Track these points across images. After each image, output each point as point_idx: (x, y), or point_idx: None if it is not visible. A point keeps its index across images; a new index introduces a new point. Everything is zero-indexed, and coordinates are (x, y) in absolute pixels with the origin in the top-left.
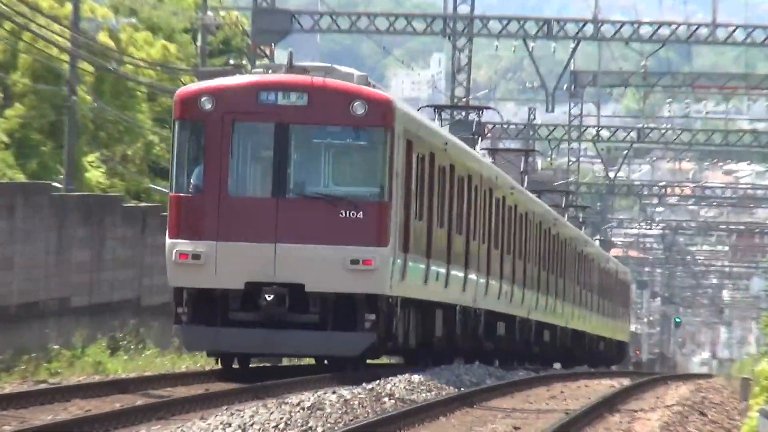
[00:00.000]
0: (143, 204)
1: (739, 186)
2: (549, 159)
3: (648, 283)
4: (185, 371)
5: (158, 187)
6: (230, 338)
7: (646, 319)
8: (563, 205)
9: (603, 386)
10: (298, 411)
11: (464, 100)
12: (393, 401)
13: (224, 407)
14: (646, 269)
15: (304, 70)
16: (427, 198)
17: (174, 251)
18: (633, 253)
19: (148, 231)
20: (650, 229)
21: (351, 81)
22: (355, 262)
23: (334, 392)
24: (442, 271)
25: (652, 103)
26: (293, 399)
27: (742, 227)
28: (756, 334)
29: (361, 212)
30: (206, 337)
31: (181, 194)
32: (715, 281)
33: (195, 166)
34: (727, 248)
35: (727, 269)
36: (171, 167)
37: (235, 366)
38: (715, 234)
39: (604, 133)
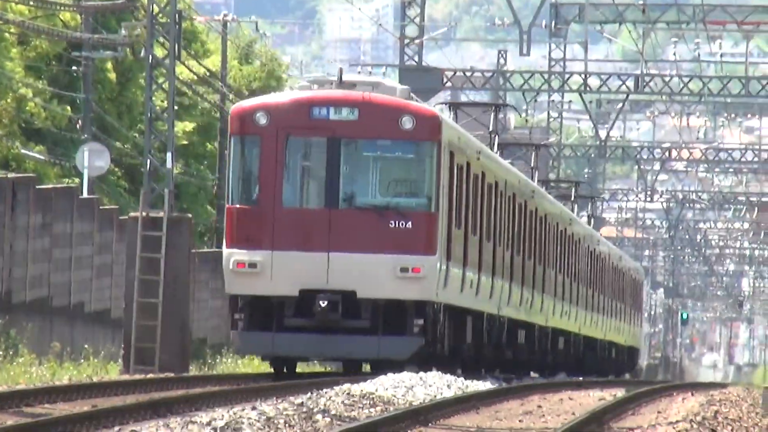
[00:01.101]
0: (13, 174)
1: (763, 147)
2: (524, 114)
3: (648, 270)
4: (68, 384)
5: (32, 153)
6: (286, 343)
7: (646, 315)
8: (548, 182)
9: (591, 399)
10: None
11: (417, 42)
12: (327, 419)
13: (115, 428)
14: (646, 253)
15: (353, 85)
16: (464, 206)
17: (231, 260)
18: (629, 232)
19: (20, 209)
20: (651, 201)
21: (394, 94)
22: (404, 269)
23: (254, 408)
24: (474, 278)
25: (653, 44)
26: (203, 417)
27: (767, 199)
28: None
29: (410, 222)
30: (263, 342)
31: (238, 206)
32: (732, 267)
33: (251, 180)
34: (747, 225)
35: (747, 252)
36: (227, 180)
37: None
38: (732, 208)
39: (593, 82)
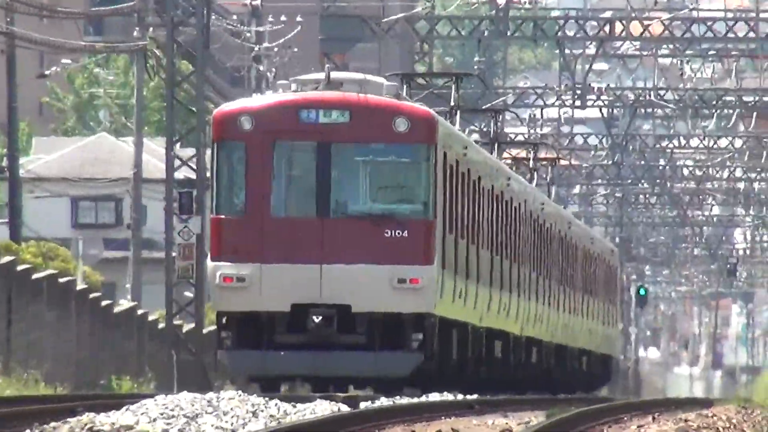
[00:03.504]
0: None
1: (764, 15)
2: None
3: (582, 218)
4: None
5: None
6: (278, 361)
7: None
8: None
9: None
10: None
11: None
12: None
13: None
14: (576, 191)
15: (339, 84)
16: (455, 209)
17: (218, 274)
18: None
19: None
20: (582, 107)
21: (381, 91)
22: (402, 281)
23: None
24: (464, 287)
25: None
26: None
27: None
28: None
29: (406, 230)
30: (253, 361)
31: (223, 216)
32: (717, 211)
33: (236, 188)
34: (739, 143)
35: (741, 185)
36: (212, 189)
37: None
38: (715, 114)
39: None
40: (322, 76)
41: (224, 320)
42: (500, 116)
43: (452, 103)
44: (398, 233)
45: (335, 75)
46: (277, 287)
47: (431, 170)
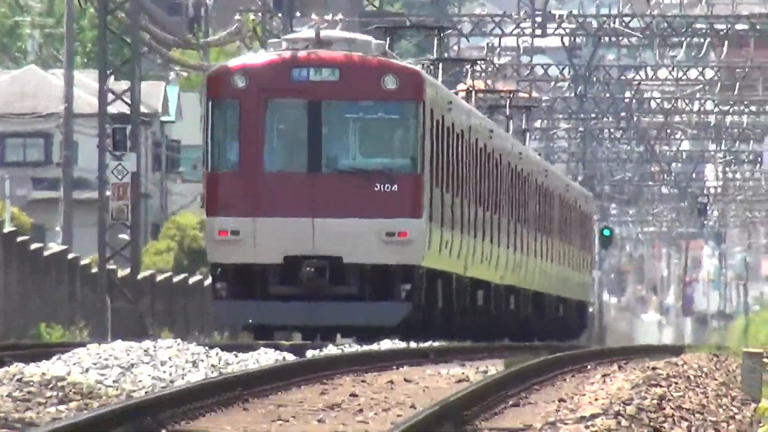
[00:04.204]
0: None
1: None
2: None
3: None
4: None
5: None
6: (271, 312)
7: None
8: None
9: (444, 381)
10: None
11: None
12: None
13: None
14: (537, 124)
15: (329, 43)
16: (441, 164)
17: (213, 228)
18: (507, 86)
19: None
20: (542, 35)
21: (369, 49)
22: (390, 234)
23: None
24: (448, 238)
25: None
26: None
27: (743, 26)
28: None
29: (395, 185)
30: (247, 312)
31: (218, 172)
32: (687, 146)
33: (230, 144)
34: (710, 74)
35: (711, 119)
36: (205, 145)
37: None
38: (684, 42)
39: None
40: (312, 34)
41: (219, 272)
42: (443, 36)
43: (435, 56)
44: (387, 188)
45: (325, 34)
46: (271, 240)
47: (419, 126)
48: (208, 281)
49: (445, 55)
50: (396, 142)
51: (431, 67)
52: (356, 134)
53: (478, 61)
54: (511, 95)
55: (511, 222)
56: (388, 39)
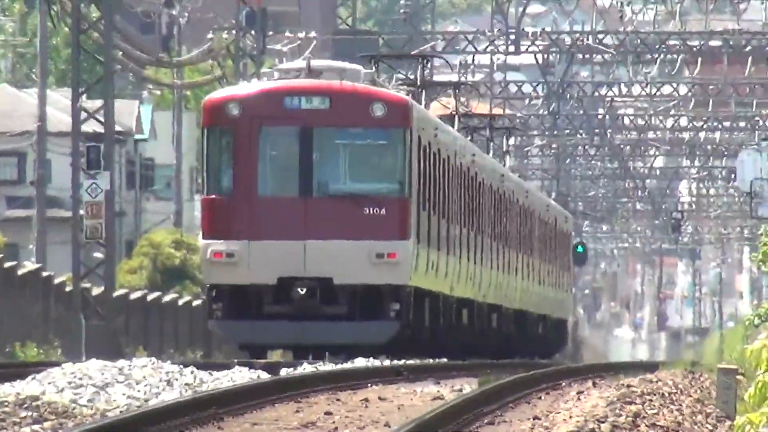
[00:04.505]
0: None
1: None
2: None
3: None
4: None
5: None
6: (265, 330)
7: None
8: None
9: (419, 399)
10: None
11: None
12: None
13: None
14: (512, 141)
15: (319, 72)
16: (427, 186)
17: (208, 250)
18: (481, 108)
19: None
20: (516, 53)
21: (359, 78)
22: (380, 255)
23: None
24: (434, 258)
25: None
26: None
27: (716, 42)
28: (753, 273)
29: (384, 209)
30: (242, 331)
31: (213, 196)
32: (661, 164)
33: (225, 170)
34: (685, 90)
35: (685, 135)
36: (202, 172)
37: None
38: (658, 58)
39: None
40: (303, 64)
41: (214, 293)
42: (428, 62)
43: (418, 83)
44: (376, 211)
45: (315, 64)
46: (264, 262)
47: (406, 152)
48: (183, 300)
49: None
50: (384, 167)
51: (415, 91)
52: (346, 159)
53: (431, 57)
54: (493, 119)
55: (494, 242)
56: (374, 66)
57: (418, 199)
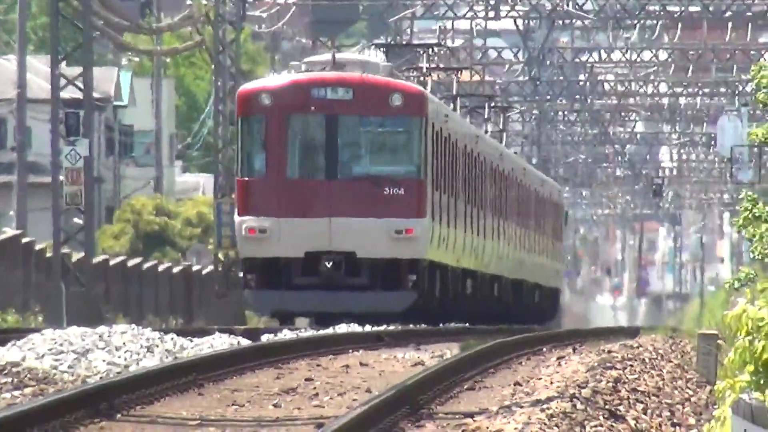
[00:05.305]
0: None
1: None
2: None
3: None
4: None
5: None
6: (294, 300)
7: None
8: None
9: (400, 365)
10: None
11: None
12: None
13: None
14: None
15: (343, 65)
16: (439, 168)
17: (243, 227)
18: (462, 75)
19: None
20: (496, 18)
21: (378, 70)
22: (399, 231)
23: None
24: (445, 234)
25: None
26: None
27: (696, 8)
28: (734, 239)
29: (402, 189)
30: (273, 300)
31: (247, 179)
32: (641, 128)
33: (258, 155)
34: (665, 56)
35: (665, 101)
36: (237, 156)
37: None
38: (638, 24)
39: None
40: (328, 57)
41: (248, 265)
42: (432, 51)
43: (424, 70)
44: (395, 191)
45: (340, 57)
46: (293, 237)
47: (422, 138)
48: (163, 266)
49: (398, 39)
50: (402, 151)
51: (421, 77)
52: (367, 145)
53: (433, 47)
54: (489, 100)
55: (495, 217)
56: (384, 56)
57: (432, 180)
